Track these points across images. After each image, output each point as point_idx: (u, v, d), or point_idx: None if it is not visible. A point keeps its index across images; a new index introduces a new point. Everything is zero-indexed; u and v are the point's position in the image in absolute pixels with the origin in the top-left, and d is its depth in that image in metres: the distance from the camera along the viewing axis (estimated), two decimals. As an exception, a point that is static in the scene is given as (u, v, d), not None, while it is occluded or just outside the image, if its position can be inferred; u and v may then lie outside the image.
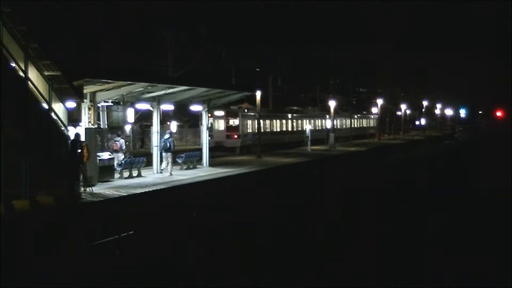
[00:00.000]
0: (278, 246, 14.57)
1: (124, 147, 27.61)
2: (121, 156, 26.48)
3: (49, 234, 15.28)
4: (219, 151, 39.52)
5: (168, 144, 27.16)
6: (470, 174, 32.10)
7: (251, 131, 43.46)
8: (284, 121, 49.85)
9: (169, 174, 26.89)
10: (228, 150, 41.56)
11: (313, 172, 32.62)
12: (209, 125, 33.45)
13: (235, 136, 41.91)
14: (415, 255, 13.84)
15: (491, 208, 20.36)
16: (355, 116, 67.97)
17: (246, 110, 45.05)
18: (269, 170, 31.33)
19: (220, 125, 42.31)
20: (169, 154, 27.26)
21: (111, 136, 38.30)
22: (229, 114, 42.72)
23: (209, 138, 32.69)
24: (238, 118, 42.69)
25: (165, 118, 39.99)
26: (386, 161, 42.44)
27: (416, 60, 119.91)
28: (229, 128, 42.06)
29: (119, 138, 27.66)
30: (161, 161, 27.61)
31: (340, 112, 62.17)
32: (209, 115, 33.88)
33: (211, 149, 33.51)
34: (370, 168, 36.69)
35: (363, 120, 73.70)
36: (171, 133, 29.01)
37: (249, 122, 43.62)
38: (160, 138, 27.32)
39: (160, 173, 27.21)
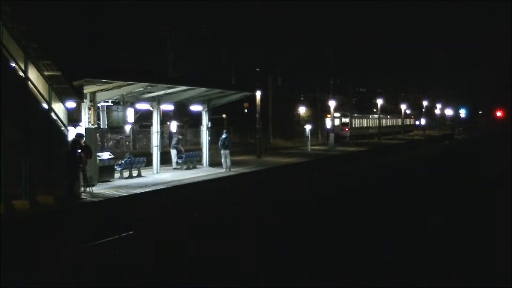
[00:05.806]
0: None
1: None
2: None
3: (49, 234, 15.29)
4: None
5: (226, 143, 29.34)
6: (469, 173, 32.06)
7: (355, 126, 65.08)
8: (372, 120, 72.59)
9: (226, 170, 28.94)
10: (342, 138, 59.19)
11: (312, 172, 32.65)
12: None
13: (346, 129, 62.32)
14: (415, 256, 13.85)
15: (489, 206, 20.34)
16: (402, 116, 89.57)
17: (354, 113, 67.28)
18: (269, 170, 31.40)
19: (337, 122, 59.91)
20: (227, 151, 29.32)
21: (111, 136, 38.34)
22: (343, 115, 63.23)
23: (330, 131, 52.20)
24: (348, 117, 63.30)
25: (165, 118, 39.99)
26: (387, 161, 42.44)
27: (416, 60, 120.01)
28: (343, 124, 62.13)
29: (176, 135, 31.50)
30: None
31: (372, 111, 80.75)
32: (328, 115, 55.96)
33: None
34: (370, 168, 36.69)
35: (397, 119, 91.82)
36: (227, 132, 31.67)
37: (354, 120, 64.40)
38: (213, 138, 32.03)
39: (229, 170, 28.96)
